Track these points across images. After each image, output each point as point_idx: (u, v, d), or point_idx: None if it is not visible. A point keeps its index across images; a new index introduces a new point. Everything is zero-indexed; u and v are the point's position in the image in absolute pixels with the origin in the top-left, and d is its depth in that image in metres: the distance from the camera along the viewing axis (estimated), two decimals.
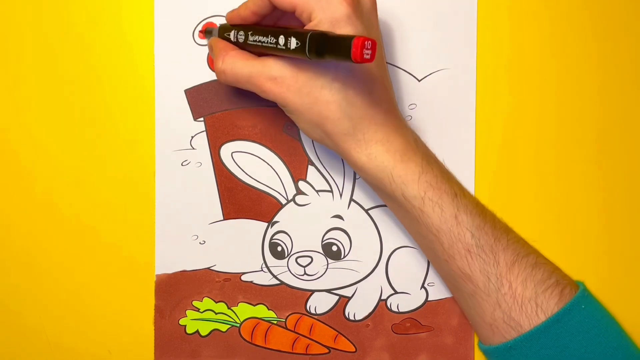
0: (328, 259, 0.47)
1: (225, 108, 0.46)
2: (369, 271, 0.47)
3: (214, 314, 0.47)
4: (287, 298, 0.47)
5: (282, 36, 0.38)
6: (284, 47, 0.37)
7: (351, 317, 0.47)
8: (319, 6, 0.38)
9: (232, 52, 0.41)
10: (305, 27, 0.38)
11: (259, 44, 0.40)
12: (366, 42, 0.33)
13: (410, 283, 0.47)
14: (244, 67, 0.40)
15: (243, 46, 0.42)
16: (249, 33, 0.41)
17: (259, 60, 0.40)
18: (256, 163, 0.47)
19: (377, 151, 0.40)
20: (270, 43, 0.39)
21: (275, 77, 0.39)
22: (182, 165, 0.47)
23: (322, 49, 0.35)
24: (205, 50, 0.46)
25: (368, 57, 0.33)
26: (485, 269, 0.39)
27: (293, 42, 0.37)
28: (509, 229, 0.42)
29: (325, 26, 0.37)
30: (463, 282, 0.40)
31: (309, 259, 0.47)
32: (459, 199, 0.40)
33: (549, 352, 0.39)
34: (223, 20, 0.45)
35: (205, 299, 0.47)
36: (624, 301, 0.45)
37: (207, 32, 0.45)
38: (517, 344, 0.39)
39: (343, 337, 0.47)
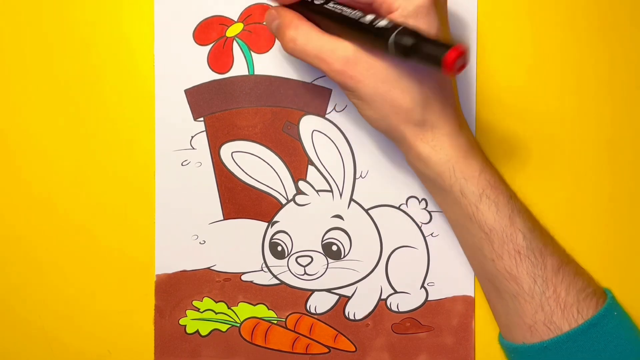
0: (328, 258, 0.47)
1: (225, 108, 0.46)
2: (369, 271, 0.47)
3: (214, 313, 0.47)
4: (287, 298, 0.47)
5: (369, 15, 0.36)
6: (368, 25, 0.35)
7: (351, 317, 0.47)
8: None
9: (306, 24, 0.39)
10: (384, 14, 0.37)
11: (340, 14, 0.37)
12: (461, 56, 0.31)
13: (410, 283, 0.47)
14: (317, 39, 0.38)
15: (315, 18, 0.40)
16: (323, 2, 0.39)
17: (332, 37, 0.38)
18: (256, 163, 0.47)
19: (442, 144, 0.39)
20: (354, 17, 0.36)
21: (349, 58, 0.38)
22: (182, 165, 0.47)
23: (409, 52, 0.33)
24: (205, 50, 0.46)
25: (460, 67, 0.32)
26: (532, 271, 0.39)
27: (382, 22, 0.34)
28: (552, 236, 0.43)
29: (406, 13, 0.36)
30: (507, 282, 0.40)
31: (309, 259, 0.47)
32: (513, 201, 0.40)
33: (583, 356, 0.39)
34: (223, 21, 0.45)
35: (205, 298, 0.47)
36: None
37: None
38: (553, 344, 0.39)
39: (343, 337, 0.47)
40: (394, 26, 0.35)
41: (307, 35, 0.39)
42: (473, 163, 0.40)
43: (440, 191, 0.42)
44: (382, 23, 0.36)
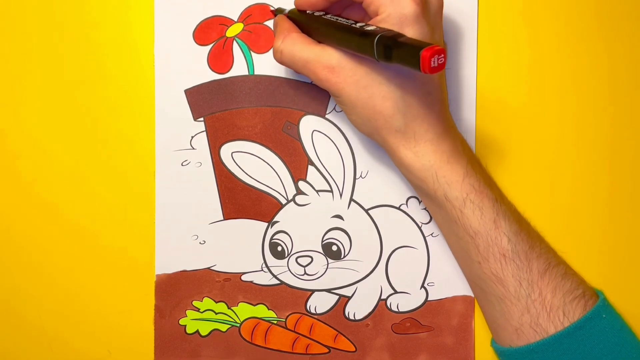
0: (328, 258, 0.47)
1: (225, 108, 0.46)
2: (369, 271, 0.47)
3: (214, 314, 0.47)
4: (287, 298, 0.47)
5: (360, 23, 0.38)
6: (357, 29, 0.37)
7: (351, 317, 0.47)
8: (389, 0, 0.37)
9: (294, 34, 0.41)
10: (372, 22, 0.38)
11: (335, 22, 0.39)
12: (436, 55, 0.32)
13: (410, 283, 0.47)
14: (302, 50, 0.40)
15: (309, 30, 0.42)
16: (322, 14, 0.41)
17: (319, 46, 0.40)
18: (256, 163, 0.47)
19: (424, 150, 0.40)
20: (347, 23, 0.38)
21: (333, 66, 0.39)
22: (182, 165, 0.47)
23: (390, 54, 0.34)
24: (205, 50, 0.46)
25: (437, 66, 0.32)
26: (518, 274, 0.39)
27: (369, 27, 0.36)
28: (541, 238, 0.43)
29: (393, 21, 0.37)
30: (493, 285, 0.40)
31: (309, 259, 0.47)
32: (499, 204, 0.40)
33: (569, 358, 0.39)
34: (223, 21, 0.45)
35: (205, 299, 0.47)
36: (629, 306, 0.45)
37: (277, 10, 0.45)
38: (540, 347, 0.39)
39: (343, 337, 0.47)
40: (376, 30, 0.36)
41: (293, 46, 0.41)
42: (457, 168, 0.40)
43: (425, 196, 0.42)
44: (369, 28, 0.37)
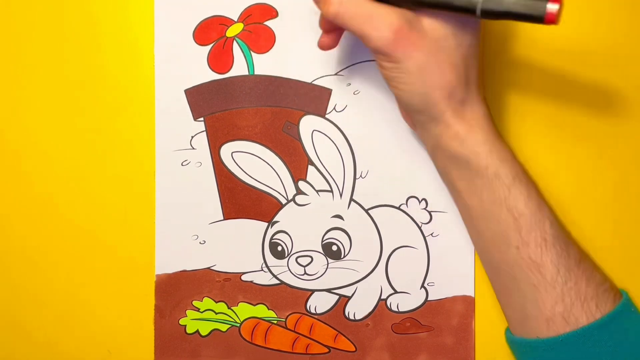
0: (328, 258, 0.47)
1: (225, 108, 0.46)
2: (369, 271, 0.47)
3: (214, 313, 0.47)
4: (287, 298, 0.47)
5: None
6: None
7: (351, 317, 0.47)
8: None
9: None
10: None
11: None
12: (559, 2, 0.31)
13: (410, 283, 0.47)
14: (366, 3, 0.35)
15: None
16: None
17: (384, 5, 0.36)
18: (256, 163, 0.47)
19: (479, 123, 0.38)
20: None
21: (402, 25, 0.35)
22: (182, 165, 0.47)
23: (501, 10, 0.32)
24: (205, 50, 0.46)
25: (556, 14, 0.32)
26: (557, 260, 0.38)
27: None
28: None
29: None
30: (529, 271, 0.38)
31: (309, 259, 0.47)
32: (537, 188, 0.39)
33: (597, 352, 0.38)
34: (223, 21, 0.45)
35: (205, 298, 0.47)
36: None
37: None
38: (569, 338, 0.38)
39: (343, 337, 0.47)
40: None
41: None
42: (505, 146, 0.39)
43: (470, 174, 0.39)
44: None
